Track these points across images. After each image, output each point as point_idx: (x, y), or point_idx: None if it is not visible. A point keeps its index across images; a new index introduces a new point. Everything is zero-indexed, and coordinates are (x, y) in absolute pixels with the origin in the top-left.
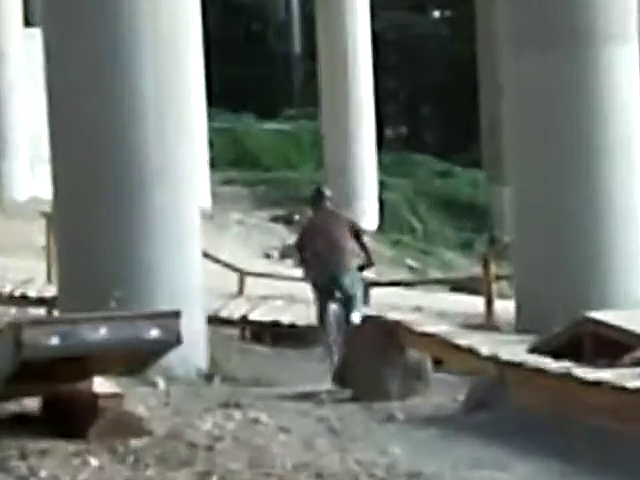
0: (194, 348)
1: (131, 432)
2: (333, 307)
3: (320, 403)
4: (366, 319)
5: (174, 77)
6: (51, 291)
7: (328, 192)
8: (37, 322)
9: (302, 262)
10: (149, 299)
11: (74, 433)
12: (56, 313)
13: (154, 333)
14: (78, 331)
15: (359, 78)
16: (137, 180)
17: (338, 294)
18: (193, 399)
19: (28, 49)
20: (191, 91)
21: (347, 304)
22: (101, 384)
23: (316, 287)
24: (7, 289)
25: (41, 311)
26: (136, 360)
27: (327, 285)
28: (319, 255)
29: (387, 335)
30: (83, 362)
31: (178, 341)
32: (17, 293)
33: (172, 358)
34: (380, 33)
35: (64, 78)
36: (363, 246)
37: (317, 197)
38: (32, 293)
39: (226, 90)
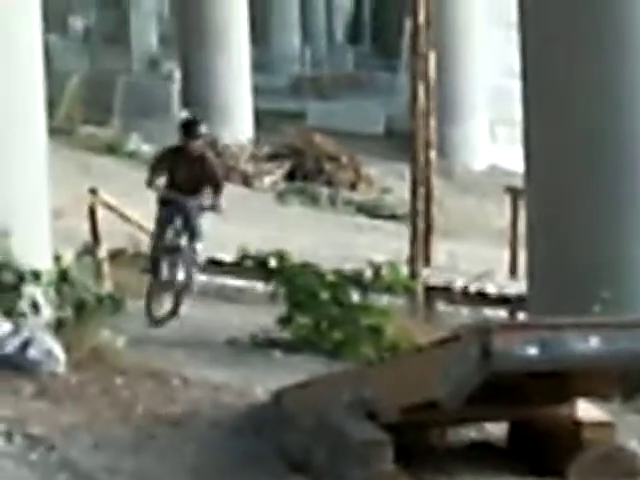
0: None
1: (622, 472)
2: None
3: None
4: None
5: None
6: (516, 287)
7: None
8: (511, 327)
9: None
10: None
11: (549, 469)
12: (522, 316)
13: None
14: (563, 340)
15: None
16: (634, 154)
17: None
18: None
19: None
20: None
21: None
22: (585, 409)
23: None
24: (458, 283)
25: (502, 313)
26: (633, 381)
27: None
28: None
29: None
30: (565, 380)
31: None
32: (471, 289)
33: None
34: None
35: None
36: None
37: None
38: (491, 289)
39: None
